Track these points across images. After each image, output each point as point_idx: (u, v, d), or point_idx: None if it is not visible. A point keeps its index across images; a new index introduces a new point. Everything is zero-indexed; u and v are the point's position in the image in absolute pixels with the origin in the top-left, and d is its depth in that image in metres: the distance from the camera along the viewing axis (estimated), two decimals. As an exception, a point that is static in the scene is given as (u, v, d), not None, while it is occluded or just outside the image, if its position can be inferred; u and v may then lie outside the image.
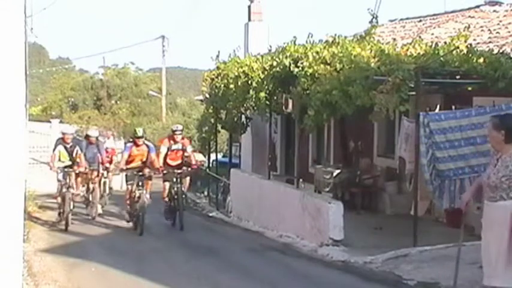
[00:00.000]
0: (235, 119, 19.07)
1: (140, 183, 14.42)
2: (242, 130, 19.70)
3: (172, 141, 15.43)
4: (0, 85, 4.71)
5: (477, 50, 12.89)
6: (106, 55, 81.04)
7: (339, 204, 12.30)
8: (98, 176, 17.22)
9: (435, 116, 11.65)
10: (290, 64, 14.63)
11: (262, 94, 15.95)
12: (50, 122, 36.58)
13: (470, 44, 13.20)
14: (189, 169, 15.72)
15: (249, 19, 23.51)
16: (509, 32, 15.64)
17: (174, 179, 15.26)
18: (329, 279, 9.74)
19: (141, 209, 14.23)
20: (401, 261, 10.09)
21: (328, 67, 13.33)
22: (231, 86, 17.85)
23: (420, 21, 20.07)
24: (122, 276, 9.61)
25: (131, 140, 15.52)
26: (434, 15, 20.15)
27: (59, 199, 15.50)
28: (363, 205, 16.35)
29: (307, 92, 13.53)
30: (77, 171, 15.63)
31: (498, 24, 16.96)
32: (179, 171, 15.36)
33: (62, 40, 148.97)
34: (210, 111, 21.16)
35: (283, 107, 15.84)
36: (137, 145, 14.74)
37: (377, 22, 16.76)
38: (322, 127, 18.15)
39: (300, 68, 14.03)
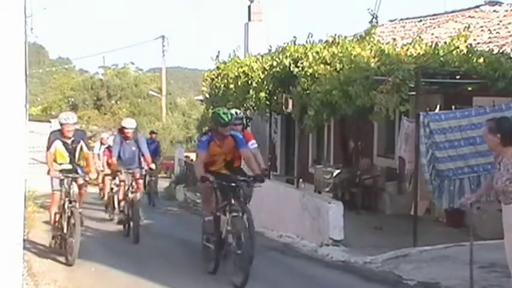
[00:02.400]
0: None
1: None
2: (242, 130, 19.67)
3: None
4: (0, 85, 4.71)
5: (477, 50, 12.89)
6: (106, 55, 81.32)
7: (339, 204, 12.29)
8: (139, 181, 13.56)
9: (435, 116, 11.64)
10: (290, 64, 14.65)
11: (262, 94, 15.97)
12: (50, 122, 36.60)
13: (470, 44, 13.20)
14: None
15: (249, 19, 23.53)
16: (509, 32, 15.64)
17: None
18: (329, 279, 9.73)
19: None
20: (401, 261, 10.08)
21: (328, 67, 13.34)
22: (231, 86, 17.86)
23: (420, 21, 20.07)
24: (122, 276, 9.61)
25: (208, 130, 10.18)
26: (434, 15, 20.16)
27: (54, 215, 11.32)
28: (363, 205, 16.34)
29: (307, 92, 13.54)
30: (84, 179, 11.66)
31: (498, 24, 16.96)
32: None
33: (62, 40, 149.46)
34: (210, 111, 21.15)
35: (283, 107, 15.86)
36: (221, 137, 9.53)
37: (377, 22, 16.79)
38: (322, 127, 18.16)
39: (300, 68, 14.04)
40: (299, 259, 11.40)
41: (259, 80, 16.18)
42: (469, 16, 18.47)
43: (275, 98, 16.09)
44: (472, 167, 11.48)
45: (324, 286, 9.47)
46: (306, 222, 12.94)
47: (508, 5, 18.92)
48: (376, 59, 12.54)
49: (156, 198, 21.81)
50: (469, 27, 13.91)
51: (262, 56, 17.15)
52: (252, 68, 16.73)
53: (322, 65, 13.48)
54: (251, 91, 16.42)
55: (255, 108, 16.95)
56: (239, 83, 17.22)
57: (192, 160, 33.26)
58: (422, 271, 9.32)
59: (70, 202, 10.94)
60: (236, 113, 11.54)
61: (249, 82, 16.57)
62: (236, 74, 17.54)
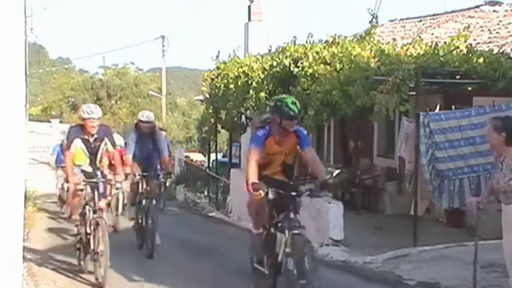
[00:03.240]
0: (235, 119, 19.06)
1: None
2: (242, 130, 19.68)
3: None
4: (0, 85, 4.71)
5: (477, 50, 12.90)
6: (106, 55, 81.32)
7: (339, 204, 12.29)
8: (155, 184, 11.91)
9: (435, 116, 11.65)
10: (290, 64, 14.64)
11: (262, 94, 15.94)
12: (50, 122, 36.62)
13: (470, 44, 13.20)
14: None
15: (249, 19, 23.49)
16: (509, 32, 15.65)
17: None
18: (329, 279, 9.71)
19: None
20: (401, 261, 10.09)
21: (328, 67, 13.34)
22: (231, 86, 17.85)
23: (420, 21, 20.08)
24: (121, 276, 9.60)
25: (265, 123, 8.06)
26: (434, 15, 20.17)
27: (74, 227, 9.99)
28: (363, 205, 16.35)
29: (307, 92, 13.53)
30: (109, 184, 9.97)
31: (498, 24, 16.97)
32: None
33: (62, 40, 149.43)
34: (210, 111, 21.14)
35: (283, 107, 15.82)
36: (282, 133, 7.75)
37: (377, 22, 16.77)
38: (322, 127, 18.16)
39: (300, 68, 14.03)
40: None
41: (259, 80, 16.17)
42: (469, 16, 18.48)
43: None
44: (471, 167, 11.49)
45: (324, 286, 9.45)
46: (306, 222, 12.91)
47: (508, 5, 18.94)
48: (376, 59, 12.54)
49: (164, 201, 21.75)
50: (469, 27, 13.90)
51: (262, 56, 17.13)
52: (252, 68, 16.72)
53: (322, 65, 13.47)
54: (251, 91, 16.40)
55: (255, 108, 16.93)
56: (239, 83, 17.21)
57: (192, 160, 33.31)
58: (422, 271, 9.32)
59: (95, 212, 9.25)
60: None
61: (249, 82, 16.56)
62: (236, 74, 17.52)
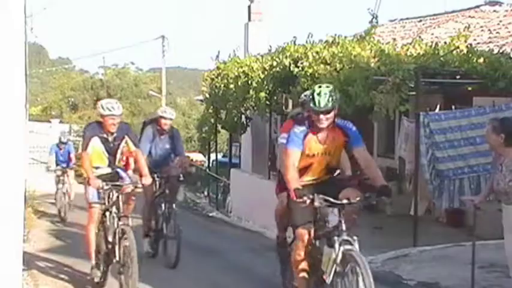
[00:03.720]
0: (235, 119, 19.08)
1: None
2: (242, 130, 19.71)
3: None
4: (0, 85, 4.71)
5: (477, 50, 12.90)
6: (106, 55, 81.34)
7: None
8: (175, 187, 10.88)
9: (435, 116, 11.65)
10: (290, 64, 14.65)
11: (262, 94, 15.96)
12: (49, 122, 36.60)
13: (470, 44, 13.20)
14: None
15: (249, 19, 23.52)
16: (509, 32, 15.65)
17: None
18: (329, 279, 9.72)
19: None
20: (401, 261, 10.08)
21: (328, 67, 13.34)
22: (231, 86, 17.87)
23: (420, 21, 20.08)
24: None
25: (305, 117, 7.01)
26: (434, 15, 20.17)
27: (91, 238, 8.71)
28: (363, 205, 16.31)
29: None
30: (135, 186, 8.73)
31: (498, 24, 16.97)
32: None
33: (62, 40, 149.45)
34: (210, 111, 21.17)
35: (283, 107, 15.86)
36: (324, 129, 6.50)
37: (377, 22, 16.77)
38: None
39: (300, 68, 14.04)
40: (299, 259, 11.38)
41: (259, 80, 16.18)
42: (469, 16, 18.48)
43: (275, 98, 16.09)
44: (472, 167, 11.48)
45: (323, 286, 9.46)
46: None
47: (508, 5, 18.94)
48: (376, 59, 12.54)
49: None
50: (469, 27, 13.91)
51: (262, 56, 17.15)
52: (252, 68, 16.74)
53: (322, 65, 13.47)
54: (251, 91, 16.42)
55: (255, 108, 16.94)
56: (239, 83, 17.23)
57: (192, 160, 33.28)
58: (422, 271, 9.32)
59: (119, 219, 8.23)
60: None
61: (249, 82, 16.57)
62: (236, 74, 17.54)
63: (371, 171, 6.58)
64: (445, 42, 13.18)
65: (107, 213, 8.51)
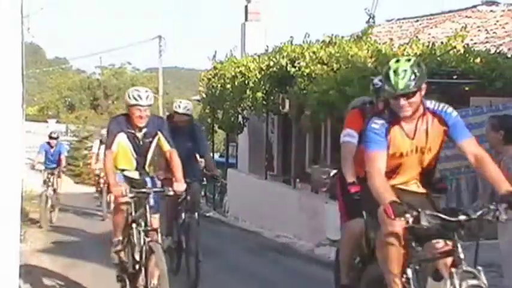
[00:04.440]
0: (232, 119, 19.07)
1: None
2: (239, 130, 19.70)
3: None
4: (-3, 85, 4.71)
5: (474, 50, 12.92)
6: (103, 55, 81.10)
7: (336, 204, 12.29)
8: (198, 193, 9.73)
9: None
10: (287, 64, 14.65)
11: (259, 94, 15.96)
12: (46, 122, 36.57)
13: (467, 44, 13.22)
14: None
15: (246, 19, 23.52)
16: (506, 32, 15.67)
17: None
18: (326, 279, 9.72)
19: None
20: (399, 261, 10.07)
21: (325, 67, 13.35)
22: (228, 86, 17.86)
23: (417, 21, 20.07)
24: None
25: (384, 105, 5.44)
26: (431, 15, 20.16)
27: (118, 247, 7.57)
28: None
29: (304, 92, 13.54)
30: (167, 195, 7.49)
31: (495, 24, 16.99)
32: None
33: (58, 40, 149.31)
34: (207, 111, 21.15)
35: (280, 107, 15.86)
36: (404, 117, 4.93)
37: (374, 22, 16.80)
38: (319, 127, 18.15)
39: (297, 68, 14.04)
40: (296, 259, 11.41)
41: (256, 80, 16.18)
42: (466, 16, 18.48)
43: (272, 98, 16.09)
44: (469, 167, 11.44)
45: (321, 286, 9.47)
46: (303, 222, 12.96)
47: (504, 5, 18.95)
48: (373, 59, 12.55)
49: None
50: (466, 27, 13.92)
51: (259, 56, 17.15)
52: (249, 68, 16.73)
53: (319, 65, 13.48)
54: (248, 91, 16.42)
55: (252, 108, 16.94)
56: (236, 83, 17.22)
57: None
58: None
59: (147, 234, 7.03)
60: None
61: (246, 82, 16.57)
62: (233, 74, 17.54)
63: (488, 171, 4.91)
64: (442, 42, 13.19)
65: (133, 226, 7.20)
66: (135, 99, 7.13)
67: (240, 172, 20.25)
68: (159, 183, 7.74)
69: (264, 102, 16.21)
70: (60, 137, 18.10)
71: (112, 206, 15.83)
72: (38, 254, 11.40)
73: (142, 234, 7.06)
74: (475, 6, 19.29)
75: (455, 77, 12.17)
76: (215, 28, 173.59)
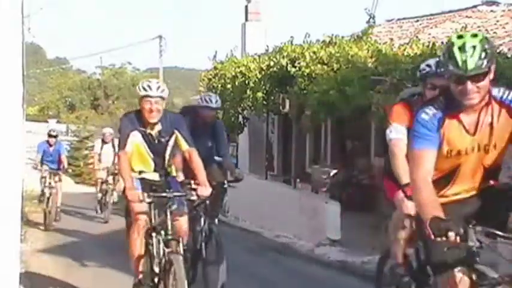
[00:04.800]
0: (233, 119, 19.07)
1: None
2: (239, 130, 19.70)
3: None
4: (-2, 85, 4.71)
5: (474, 50, 12.91)
6: (103, 55, 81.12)
7: (336, 204, 12.31)
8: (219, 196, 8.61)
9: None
10: (287, 64, 14.66)
11: (260, 94, 15.97)
12: (47, 122, 36.57)
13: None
14: None
15: (246, 19, 23.51)
16: (506, 32, 15.66)
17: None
18: (326, 279, 9.74)
19: None
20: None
21: (325, 67, 13.36)
22: (228, 86, 17.86)
23: (417, 21, 20.07)
24: (120, 276, 9.59)
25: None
26: (431, 15, 20.15)
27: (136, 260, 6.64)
28: (361, 205, 16.32)
29: (305, 92, 13.55)
30: (189, 199, 6.75)
31: (495, 24, 16.98)
32: None
33: (59, 40, 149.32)
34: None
35: (281, 107, 15.87)
36: (467, 106, 3.92)
37: (374, 22, 16.81)
38: (320, 127, 18.17)
39: (297, 68, 14.05)
40: (296, 259, 11.41)
41: (257, 80, 16.19)
42: (466, 16, 18.47)
43: (272, 98, 16.09)
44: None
45: (321, 286, 9.48)
46: (303, 222, 12.95)
47: (505, 5, 18.95)
48: (373, 59, 12.56)
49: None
50: (466, 27, 13.94)
51: (259, 56, 17.16)
52: (249, 68, 16.74)
53: (319, 65, 13.49)
54: (248, 91, 16.42)
55: (252, 108, 16.94)
56: (236, 83, 17.22)
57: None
58: (419, 271, 9.32)
59: (167, 244, 6.25)
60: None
61: (246, 82, 16.58)
62: (233, 74, 17.54)
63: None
64: (442, 42, 13.19)
65: (153, 235, 6.43)
66: (145, 89, 6.59)
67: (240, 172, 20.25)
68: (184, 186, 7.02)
69: (264, 102, 16.22)
70: (59, 136, 18.07)
71: (110, 206, 16.06)
72: (38, 254, 11.41)
73: (162, 244, 6.29)
74: (475, 6, 19.28)
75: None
76: (215, 28, 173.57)
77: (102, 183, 16.75)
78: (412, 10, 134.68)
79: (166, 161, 6.91)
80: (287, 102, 15.32)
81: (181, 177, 7.61)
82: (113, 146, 15.88)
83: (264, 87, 15.93)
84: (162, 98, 6.59)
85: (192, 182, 6.80)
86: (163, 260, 6.29)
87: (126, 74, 54.54)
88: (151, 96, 6.52)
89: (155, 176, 6.84)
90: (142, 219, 6.55)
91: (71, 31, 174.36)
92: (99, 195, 16.87)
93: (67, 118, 46.93)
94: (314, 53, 13.99)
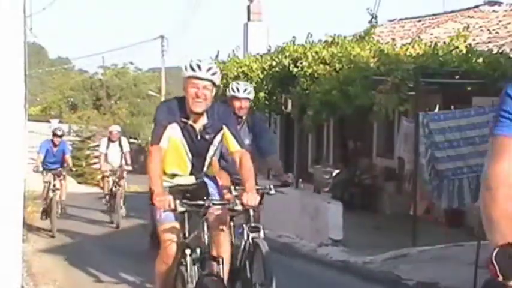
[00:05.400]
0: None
1: None
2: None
3: None
4: (0, 85, 4.71)
5: (476, 50, 12.91)
6: (105, 55, 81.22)
7: (338, 204, 12.29)
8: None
9: (434, 116, 11.65)
10: (289, 64, 14.67)
11: (262, 94, 15.97)
12: (49, 122, 36.58)
13: (470, 44, 13.21)
14: None
15: (249, 19, 23.53)
16: (508, 32, 15.65)
17: None
18: (328, 279, 9.73)
19: None
20: (401, 261, 10.08)
21: (328, 67, 13.36)
22: (231, 86, 17.87)
23: (419, 21, 20.08)
24: (120, 276, 9.60)
25: None
26: (433, 15, 20.17)
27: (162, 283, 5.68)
28: (362, 205, 16.34)
29: (307, 92, 13.55)
30: (232, 209, 5.63)
31: (497, 24, 16.98)
32: None
33: (61, 40, 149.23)
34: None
35: (283, 107, 15.88)
36: None
37: (376, 22, 16.80)
38: (322, 127, 18.19)
39: (299, 68, 14.06)
40: (298, 259, 11.40)
41: (259, 80, 16.19)
42: (469, 16, 18.48)
43: (274, 98, 16.11)
44: (471, 167, 11.48)
45: (323, 286, 9.47)
46: (305, 222, 12.93)
47: (507, 5, 18.95)
48: (375, 59, 12.56)
49: None
50: (468, 27, 13.93)
51: (261, 56, 17.18)
52: (252, 68, 16.75)
53: (321, 65, 13.49)
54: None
55: (254, 108, 16.96)
56: (238, 83, 17.25)
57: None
58: (421, 271, 9.31)
59: (202, 263, 5.33)
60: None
61: (249, 82, 16.59)
62: (235, 74, 17.54)
63: None
64: (445, 42, 13.19)
65: (187, 252, 5.24)
66: (193, 69, 5.35)
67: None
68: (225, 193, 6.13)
69: (267, 102, 16.23)
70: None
71: (123, 210, 15.12)
72: (40, 254, 11.41)
73: (197, 265, 5.25)
74: (477, 6, 19.29)
75: (457, 77, 12.17)
76: (218, 28, 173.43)
77: (109, 184, 15.56)
78: (415, 10, 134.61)
79: (206, 164, 5.63)
80: (289, 102, 15.33)
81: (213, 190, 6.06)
82: (120, 145, 15.21)
83: (266, 87, 15.94)
84: (213, 83, 5.40)
85: (232, 187, 6.16)
86: (199, 282, 5.19)
87: (128, 74, 54.52)
88: (199, 78, 5.29)
89: (191, 180, 5.61)
90: (173, 236, 5.37)
91: (72, 31, 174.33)
92: (107, 198, 15.67)
93: (69, 118, 46.96)
94: (316, 53, 13.99)
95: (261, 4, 23.78)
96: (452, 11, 19.78)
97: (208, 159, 5.64)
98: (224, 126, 5.52)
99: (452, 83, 12.34)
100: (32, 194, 17.60)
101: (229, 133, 5.51)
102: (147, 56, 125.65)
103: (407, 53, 12.80)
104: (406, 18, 21.22)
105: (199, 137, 5.44)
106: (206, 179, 5.76)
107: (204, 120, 5.44)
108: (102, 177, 16.56)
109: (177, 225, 5.32)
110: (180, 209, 5.07)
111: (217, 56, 19.78)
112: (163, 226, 5.37)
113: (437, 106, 13.22)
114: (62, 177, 14.42)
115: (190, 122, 5.39)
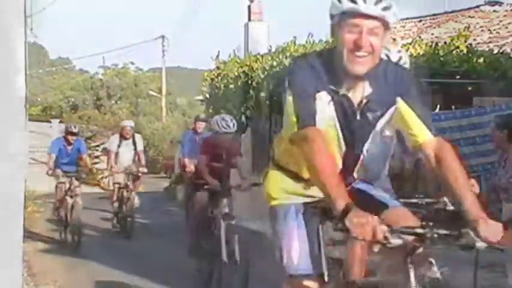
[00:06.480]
0: (235, 119, 19.09)
1: None
2: (242, 130, 19.70)
3: None
4: (0, 85, 4.71)
5: (477, 50, 12.92)
6: (106, 55, 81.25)
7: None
8: None
9: (435, 116, 11.63)
10: (290, 64, 14.67)
11: (263, 94, 15.96)
12: (49, 122, 36.55)
13: (470, 44, 13.22)
14: None
15: (249, 19, 23.51)
16: (509, 32, 15.66)
17: None
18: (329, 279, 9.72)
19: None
20: (401, 261, 10.07)
21: (328, 67, 13.36)
22: (231, 86, 17.86)
23: (420, 21, 20.08)
24: (121, 276, 9.60)
25: None
26: (434, 15, 20.17)
27: None
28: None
29: (307, 92, 13.55)
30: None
31: (498, 24, 16.99)
32: None
33: (61, 40, 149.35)
34: (210, 111, 21.13)
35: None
36: None
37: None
38: (322, 127, 18.18)
39: (300, 68, 14.05)
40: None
41: (260, 80, 16.18)
42: (469, 16, 18.49)
43: (275, 98, 16.09)
44: (472, 167, 11.46)
45: (324, 286, 9.46)
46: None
47: (508, 5, 18.96)
48: (376, 59, 12.56)
49: None
50: (469, 27, 13.93)
51: (262, 56, 17.15)
52: (252, 68, 16.73)
53: (322, 65, 13.50)
54: (251, 91, 16.42)
55: (256, 108, 16.95)
56: (239, 83, 17.22)
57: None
58: (422, 271, 9.31)
59: None
60: None
61: (249, 82, 16.58)
62: (236, 74, 17.54)
63: None
64: (445, 42, 13.19)
65: None
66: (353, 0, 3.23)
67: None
68: None
69: (268, 102, 16.21)
70: (60, 135, 14.72)
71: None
72: (40, 254, 11.41)
73: None
74: (478, 6, 19.30)
75: (458, 77, 12.17)
76: (218, 28, 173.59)
77: (120, 188, 13.74)
78: (415, 10, 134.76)
79: (359, 163, 3.60)
80: (290, 102, 15.34)
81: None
82: (134, 142, 13.64)
83: (267, 87, 15.93)
84: (385, 23, 3.25)
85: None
86: None
87: (128, 74, 54.53)
88: (363, 16, 3.22)
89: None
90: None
91: (73, 31, 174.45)
92: (116, 204, 13.97)
93: (70, 118, 46.91)
94: (317, 52, 14.01)
95: (261, 4, 23.75)
96: (453, 11, 19.79)
97: (365, 150, 3.51)
98: (400, 99, 3.37)
99: (453, 83, 12.35)
100: (32, 194, 17.61)
101: (409, 110, 3.34)
102: (148, 56, 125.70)
103: (408, 53, 12.80)
104: (407, 18, 21.21)
105: (359, 116, 3.37)
106: (362, 184, 3.71)
107: (367, 88, 3.37)
108: (111, 181, 14.98)
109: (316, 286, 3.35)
110: (396, 241, 3.06)
111: (217, 56, 19.78)
112: (294, 282, 3.51)
113: (438, 106, 13.22)
114: (78, 182, 12.46)
115: (343, 90, 3.35)
